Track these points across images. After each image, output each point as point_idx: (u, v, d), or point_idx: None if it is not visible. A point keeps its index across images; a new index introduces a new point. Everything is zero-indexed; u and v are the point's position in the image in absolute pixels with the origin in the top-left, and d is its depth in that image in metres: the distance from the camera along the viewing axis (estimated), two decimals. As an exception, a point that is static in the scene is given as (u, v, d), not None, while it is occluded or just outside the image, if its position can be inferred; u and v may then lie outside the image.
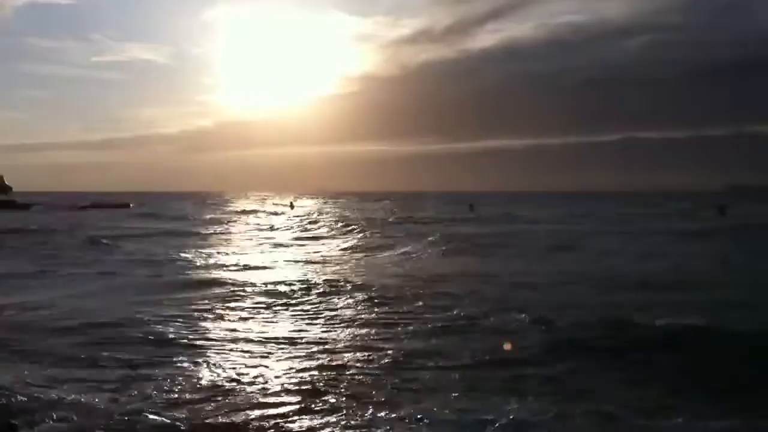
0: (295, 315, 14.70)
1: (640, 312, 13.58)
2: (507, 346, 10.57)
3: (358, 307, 15.29)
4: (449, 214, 66.02)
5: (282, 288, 17.94)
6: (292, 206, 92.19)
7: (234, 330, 13.03)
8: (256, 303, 16.00)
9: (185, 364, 10.28)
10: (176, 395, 8.66)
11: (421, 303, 15.43)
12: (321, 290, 17.61)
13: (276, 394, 8.83)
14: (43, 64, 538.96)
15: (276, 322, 13.95)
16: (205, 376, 9.64)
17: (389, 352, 11.02)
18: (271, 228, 49.59)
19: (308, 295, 17.01)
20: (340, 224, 49.47)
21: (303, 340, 12.05)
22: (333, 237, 40.02)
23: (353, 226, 46.19)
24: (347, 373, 9.77)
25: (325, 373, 9.74)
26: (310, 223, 54.07)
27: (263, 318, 14.34)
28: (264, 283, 18.83)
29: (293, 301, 16.21)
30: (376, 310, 14.90)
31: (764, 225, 41.88)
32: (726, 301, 15.31)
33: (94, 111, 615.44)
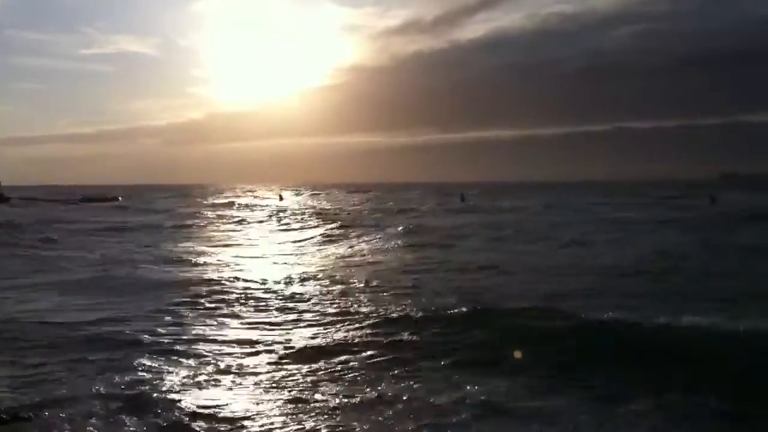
0: (249, 312, 14.16)
1: (582, 301, 13.56)
2: (517, 354, 10.12)
3: (315, 300, 15.15)
4: (435, 205, 65.69)
5: (240, 284, 17.41)
6: (281, 198, 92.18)
7: (180, 328, 12.59)
8: (213, 300, 15.38)
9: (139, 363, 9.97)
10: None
11: (362, 295, 15.42)
12: (279, 285, 17.38)
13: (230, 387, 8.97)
14: (33, 57, 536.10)
15: (230, 319, 13.47)
16: (157, 376, 9.38)
17: (327, 344, 11.11)
18: (248, 221, 48.38)
19: (266, 290, 16.60)
20: (319, 216, 49.21)
21: (256, 339, 11.72)
22: (310, 228, 39.64)
23: (330, 218, 45.77)
24: (308, 367, 9.79)
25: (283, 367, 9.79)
26: (291, 215, 52.93)
27: (210, 317, 13.69)
28: (222, 279, 18.21)
29: (245, 299, 15.59)
30: (329, 303, 14.77)
31: (753, 214, 40.89)
32: (684, 292, 15.00)
33: (84, 104, 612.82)
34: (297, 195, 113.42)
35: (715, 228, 32.42)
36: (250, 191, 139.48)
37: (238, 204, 77.40)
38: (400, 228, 33.28)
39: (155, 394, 8.41)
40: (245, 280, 17.92)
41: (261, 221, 48.84)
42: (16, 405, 7.87)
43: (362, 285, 16.79)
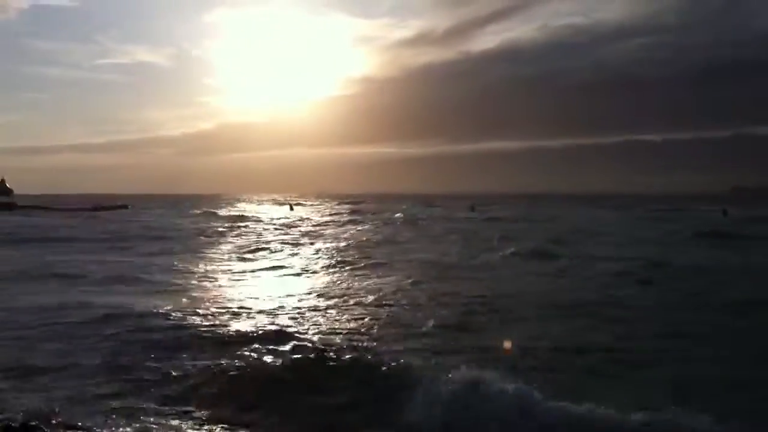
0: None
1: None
2: (507, 345, 10.57)
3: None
4: (409, 216, 63.84)
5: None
6: (291, 208, 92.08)
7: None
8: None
9: None
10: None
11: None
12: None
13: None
14: (47, 67, 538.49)
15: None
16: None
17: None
18: (226, 232, 45.14)
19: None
20: (285, 228, 48.75)
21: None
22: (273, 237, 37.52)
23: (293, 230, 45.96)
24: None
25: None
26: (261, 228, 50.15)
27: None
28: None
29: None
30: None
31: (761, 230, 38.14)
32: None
33: (97, 113, 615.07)
34: (280, 206, 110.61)
35: (707, 244, 30.45)
36: (259, 201, 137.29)
37: (244, 217, 73.87)
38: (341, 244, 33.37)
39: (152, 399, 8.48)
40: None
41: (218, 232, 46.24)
42: (26, 412, 7.66)
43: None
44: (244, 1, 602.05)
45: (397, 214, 65.18)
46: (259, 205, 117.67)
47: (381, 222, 54.51)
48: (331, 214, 73.89)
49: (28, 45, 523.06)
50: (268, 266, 24.45)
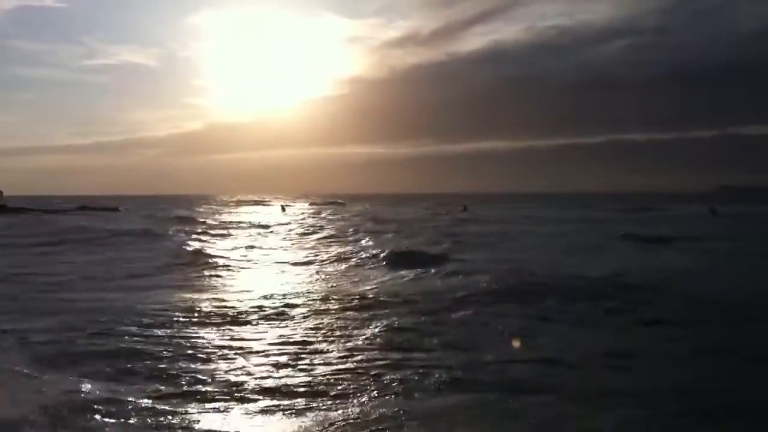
0: None
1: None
2: (516, 344, 10.61)
3: None
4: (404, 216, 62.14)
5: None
6: (283, 209, 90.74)
7: None
8: None
9: None
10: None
11: None
12: None
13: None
14: (33, 67, 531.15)
15: None
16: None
17: None
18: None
19: None
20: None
21: None
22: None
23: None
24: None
25: None
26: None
27: None
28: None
29: None
30: None
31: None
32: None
33: (83, 114, 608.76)
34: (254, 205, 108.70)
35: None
36: (238, 203, 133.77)
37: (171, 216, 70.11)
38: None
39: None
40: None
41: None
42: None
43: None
44: (231, 2, 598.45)
45: (357, 217, 62.49)
46: (236, 206, 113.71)
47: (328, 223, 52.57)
48: (288, 215, 72.00)
49: (13, 45, 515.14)
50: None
